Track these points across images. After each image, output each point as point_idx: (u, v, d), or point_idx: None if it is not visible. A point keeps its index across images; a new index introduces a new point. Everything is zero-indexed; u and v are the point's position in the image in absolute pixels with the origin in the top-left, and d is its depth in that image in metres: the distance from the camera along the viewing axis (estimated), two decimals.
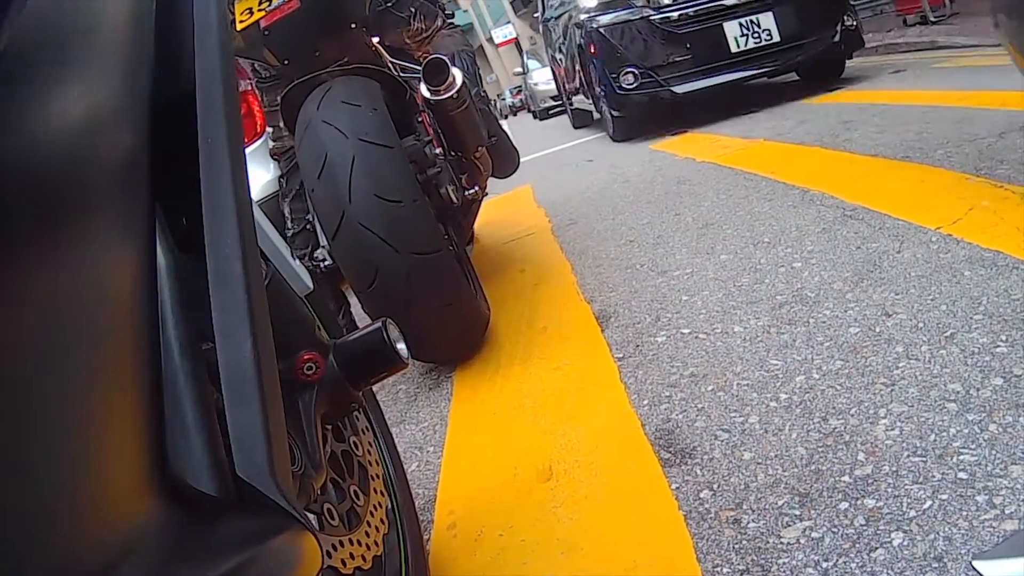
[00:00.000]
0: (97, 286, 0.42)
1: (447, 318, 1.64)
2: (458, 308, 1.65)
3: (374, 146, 1.52)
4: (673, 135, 4.27)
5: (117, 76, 0.51)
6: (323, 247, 1.90)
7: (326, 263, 1.89)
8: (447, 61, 1.80)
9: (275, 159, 2.25)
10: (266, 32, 1.73)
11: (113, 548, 0.35)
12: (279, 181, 2.20)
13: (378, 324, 0.88)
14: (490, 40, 32.81)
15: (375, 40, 2.00)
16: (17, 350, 0.33)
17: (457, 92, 1.81)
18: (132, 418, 0.42)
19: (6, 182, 0.35)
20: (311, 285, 0.97)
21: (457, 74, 1.83)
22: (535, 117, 13.66)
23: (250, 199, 0.56)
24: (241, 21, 1.71)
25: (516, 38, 30.00)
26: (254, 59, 1.89)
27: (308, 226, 2.09)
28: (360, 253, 1.52)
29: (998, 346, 1.03)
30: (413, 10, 2.17)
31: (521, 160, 2.86)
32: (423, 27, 2.23)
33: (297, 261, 0.98)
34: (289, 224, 2.10)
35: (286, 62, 1.81)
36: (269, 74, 1.98)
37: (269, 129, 2.20)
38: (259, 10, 1.72)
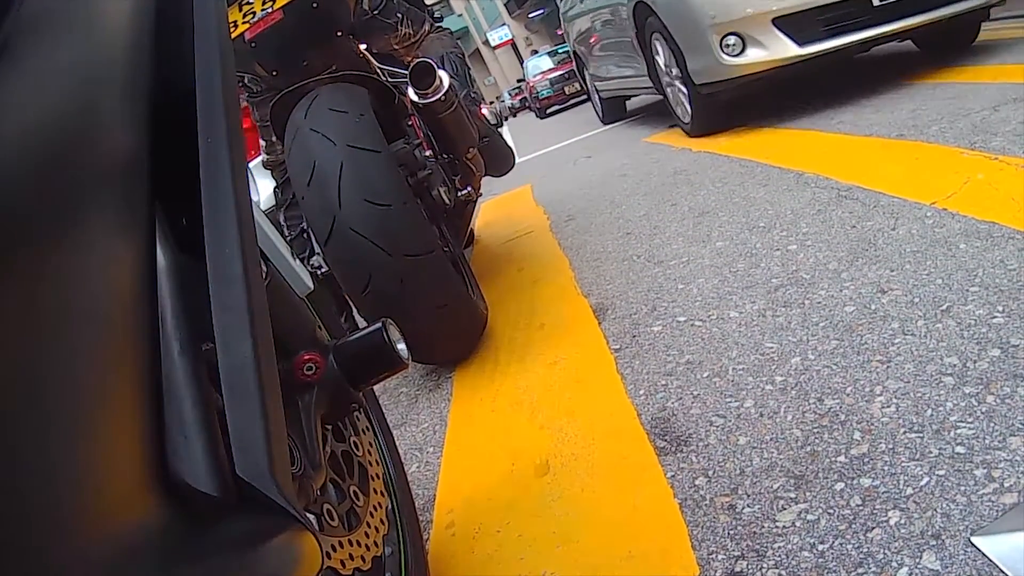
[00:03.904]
0: (97, 286, 0.42)
1: (443, 319, 1.63)
2: (454, 309, 1.64)
3: (362, 151, 1.52)
4: (668, 127, 4.25)
5: (117, 76, 0.51)
6: (318, 254, 1.91)
7: (323, 270, 1.89)
8: (434, 64, 1.80)
9: (267, 169, 2.26)
10: (252, 44, 1.73)
11: (113, 548, 0.35)
12: (274, 192, 2.21)
13: (378, 325, 0.88)
14: (486, 43, 32.86)
15: (362, 47, 2.00)
16: (17, 350, 0.33)
17: (444, 95, 1.81)
18: (132, 418, 0.42)
19: (5, 182, 0.35)
20: (311, 285, 0.98)
21: (444, 76, 1.83)
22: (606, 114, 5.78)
23: (250, 199, 0.56)
24: None
25: (512, 39, 30.03)
26: (243, 72, 1.89)
27: (304, 233, 2.11)
28: (353, 258, 1.51)
29: (995, 317, 1.02)
30: (400, 16, 2.17)
31: (518, 160, 2.85)
32: (410, 32, 2.23)
33: (297, 261, 0.98)
34: (286, 232, 2.12)
35: (274, 73, 1.82)
36: (259, 88, 1.99)
37: (263, 142, 2.21)
38: (243, 22, 1.72)
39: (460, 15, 34.15)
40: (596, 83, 5.28)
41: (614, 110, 5.60)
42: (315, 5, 1.71)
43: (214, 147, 0.54)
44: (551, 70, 14.03)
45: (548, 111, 13.58)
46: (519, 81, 17.45)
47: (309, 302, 0.97)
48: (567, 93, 12.94)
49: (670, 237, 2.04)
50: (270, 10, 1.68)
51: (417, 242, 1.52)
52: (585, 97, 13.12)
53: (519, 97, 22.80)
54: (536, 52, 18.73)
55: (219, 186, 0.53)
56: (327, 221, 1.50)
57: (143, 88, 0.55)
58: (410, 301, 1.53)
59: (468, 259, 2.44)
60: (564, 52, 14.34)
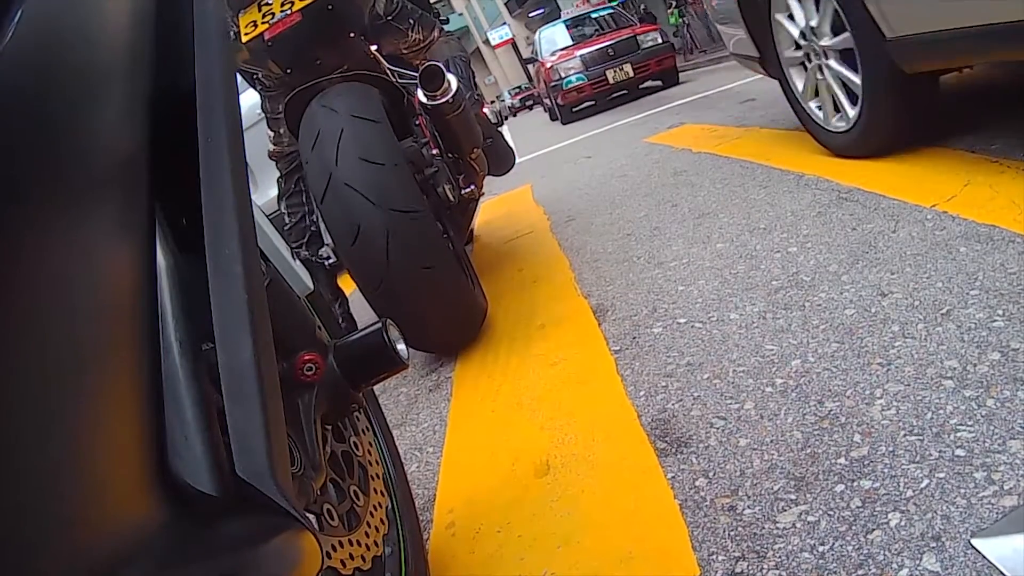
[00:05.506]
0: (97, 286, 0.42)
1: (433, 289, 1.64)
2: (441, 277, 1.66)
3: (362, 120, 1.61)
4: (669, 128, 4.26)
5: (117, 76, 0.52)
6: (327, 245, 1.96)
7: (331, 260, 1.96)
8: (442, 67, 1.86)
9: (273, 160, 2.32)
10: (269, 44, 1.78)
11: (113, 548, 0.35)
12: (277, 182, 2.30)
13: (378, 325, 0.88)
14: (487, 42, 32.86)
15: (373, 48, 2.03)
16: (17, 350, 0.33)
17: (452, 97, 1.88)
18: (132, 418, 0.42)
19: (6, 182, 0.35)
20: (311, 285, 0.98)
21: (452, 80, 1.89)
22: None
23: (250, 199, 0.56)
24: (246, 34, 1.77)
25: (513, 39, 30.03)
26: (259, 69, 1.94)
27: (305, 222, 2.18)
28: (344, 211, 1.57)
29: (995, 320, 1.02)
30: (412, 22, 2.22)
31: (519, 159, 2.87)
32: (420, 38, 2.29)
33: (297, 261, 0.98)
34: (287, 219, 2.23)
35: (289, 71, 1.86)
36: (272, 83, 2.03)
37: (270, 133, 2.26)
38: (263, 23, 1.77)
39: (461, 14, 34.15)
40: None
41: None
42: (330, 7, 1.76)
43: (214, 147, 0.54)
44: (582, 44, 8.95)
45: (575, 110, 8.52)
46: (528, 61, 11.61)
47: (309, 302, 0.98)
48: (612, 82, 8.04)
49: (670, 238, 2.04)
50: (289, 12, 1.74)
51: (404, 199, 1.58)
52: (624, 92, 8.34)
53: (520, 96, 22.13)
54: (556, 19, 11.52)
55: (219, 186, 0.53)
56: (324, 178, 1.57)
57: (143, 88, 0.55)
58: (395, 256, 1.56)
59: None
60: (602, 15, 9.79)
